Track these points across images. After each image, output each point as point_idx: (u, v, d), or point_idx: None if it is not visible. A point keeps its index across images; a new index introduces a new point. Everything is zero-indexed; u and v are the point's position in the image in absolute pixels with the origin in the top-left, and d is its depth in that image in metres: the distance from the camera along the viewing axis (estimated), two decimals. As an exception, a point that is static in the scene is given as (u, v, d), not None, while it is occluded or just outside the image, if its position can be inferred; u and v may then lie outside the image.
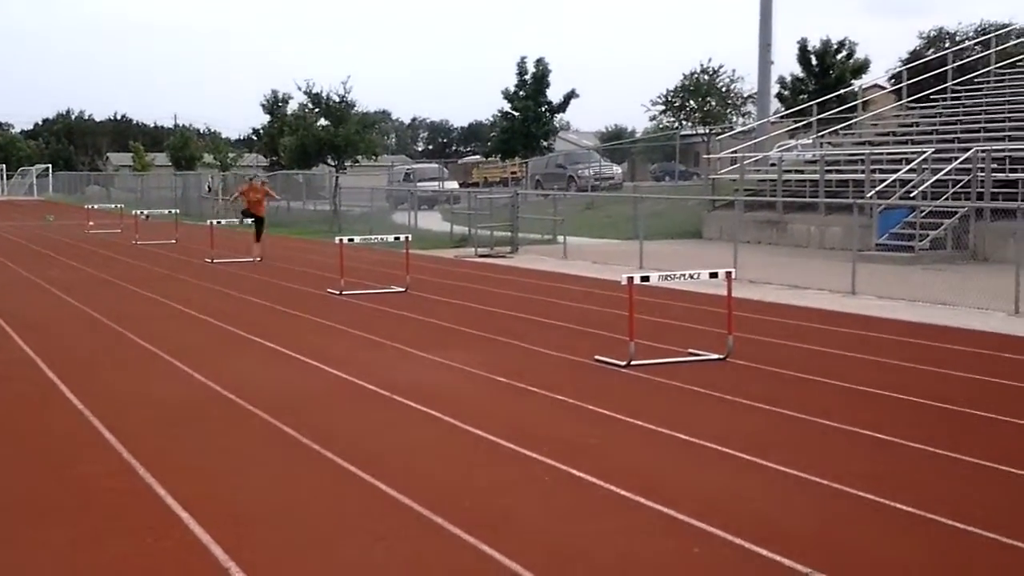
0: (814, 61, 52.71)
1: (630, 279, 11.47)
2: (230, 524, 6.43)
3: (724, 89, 68.17)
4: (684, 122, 68.59)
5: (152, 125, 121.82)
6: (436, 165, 64.46)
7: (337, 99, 56.65)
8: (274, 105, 61.36)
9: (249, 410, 9.53)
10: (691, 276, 12.33)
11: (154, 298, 18.08)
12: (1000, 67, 35.70)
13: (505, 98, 58.79)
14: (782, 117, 44.83)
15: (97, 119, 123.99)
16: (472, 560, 5.83)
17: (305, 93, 57.83)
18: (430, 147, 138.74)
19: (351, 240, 20.43)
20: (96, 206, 46.00)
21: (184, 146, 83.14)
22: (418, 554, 5.94)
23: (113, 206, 46.44)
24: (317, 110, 57.62)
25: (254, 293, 18.61)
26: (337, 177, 47.93)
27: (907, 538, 6.12)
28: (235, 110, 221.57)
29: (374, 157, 59.72)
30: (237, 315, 15.81)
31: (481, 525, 6.30)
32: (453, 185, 53.60)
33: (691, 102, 68.27)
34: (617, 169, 56.60)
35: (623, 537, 6.16)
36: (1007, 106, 30.12)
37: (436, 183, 52.60)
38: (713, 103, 67.48)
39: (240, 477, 7.50)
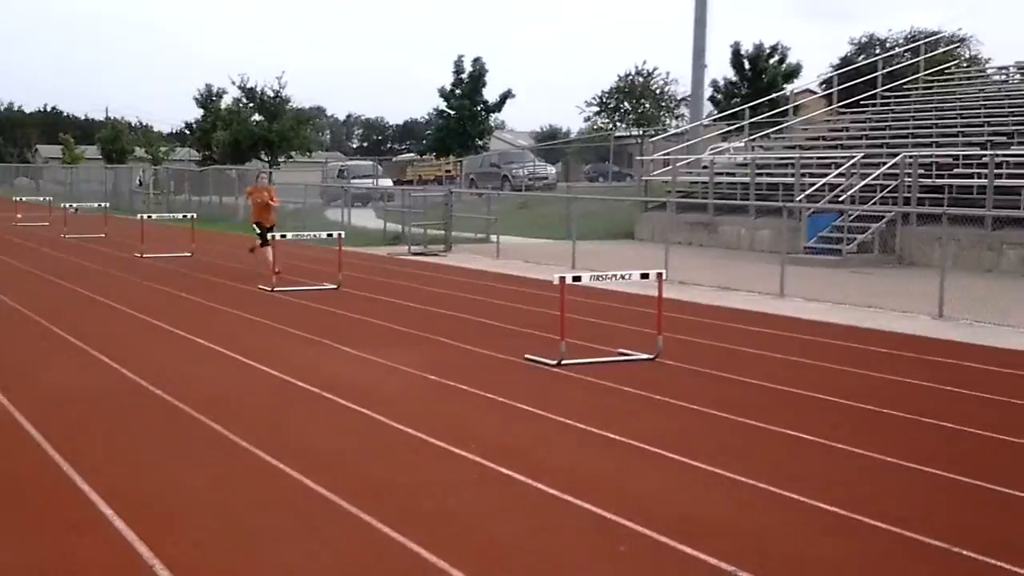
0: (747, 65, 53.25)
1: (562, 279, 11.52)
2: (155, 520, 6.38)
3: (658, 91, 68.69)
4: (618, 124, 68.96)
5: (83, 118, 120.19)
6: (370, 162, 64.20)
7: (271, 94, 56.32)
8: (208, 99, 60.78)
9: (176, 406, 9.45)
10: (622, 276, 12.43)
11: (82, 292, 17.86)
12: (928, 74, 36.31)
13: (441, 96, 58.78)
14: (715, 120, 45.18)
15: (27, 111, 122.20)
16: (400, 557, 5.83)
17: (239, 88, 57.43)
18: (365, 144, 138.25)
19: (284, 237, 20.31)
20: (24, 198, 45.36)
21: (115, 139, 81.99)
22: (346, 551, 5.94)
23: (42, 199, 45.79)
24: (251, 105, 57.21)
25: (184, 289, 18.45)
26: (271, 173, 47.65)
27: (829, 537, 6.21)
28: (168, 104, 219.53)
29: (308, 153, 59.44)
30: (167, 310, 15.66)
31: (410, 523, 6.31)
32: (387, 183, 53.48)
33: (625, 104, 68.71)
34: (551, 169, 56.75)
35: (551, 535, 6.20)
36: (935, 113, 30.60)
37: (370, 180, 52.39)
38: (647, 105, 67.95)
39: (166, 473, 7.44)
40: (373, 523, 6.32)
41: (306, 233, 21.11)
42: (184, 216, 29.72)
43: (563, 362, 11.35)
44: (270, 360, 11.60)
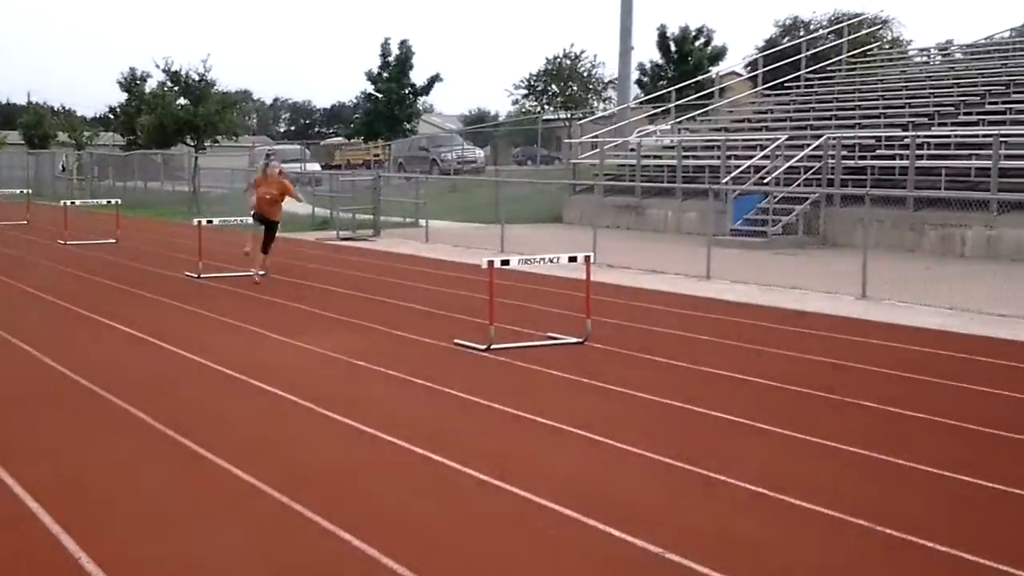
0: (673, 48, 53.51)
1: (490, 263, 11.54)
2: (81, 512, 6.33)
3: (585, 74, 68.76)
4: (546, 107, 69.01)
5: (4, 102, 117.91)
6: (298, 146, 63.70)
7: (197, 78, 55.59)
8: (131, 83, 59.81)
9: (101, 395, 9.36)
10: (551, 260, 12.47)
11: (3, 280, 17.59)
12: (851, 56, 36.75)
13: (368, 80, 58.39)
14: (642, 103, 45.40)
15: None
16: (328, 544, 5.83)
17: (164, 71, 56.52)
18: (292, 128, 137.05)
19: (210, 222, 20.14)
20: (-58, 185, 44.52)
21: (38, 124, 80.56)
22: (273, 539, 5.92)
23: (-39, 186, 44.97)
24: (176, 89, 56.44)
25: (109, 276, 18.23)
26: (196, 157, 47.13)
27: (756, 516, 6.30)
28: (91, 88, 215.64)
29: (234, 137, 58.78)
30: (91, 298, 15.47)
31: (337, 509, 6.31)
32: (315, 167, 53.11)
33: (553, 87, 68.73)
34: (480, 153, 56.69)
35: (480, 520, 6.23)
36: (857, 95, 30.99)
37: (298, 165, 52.01)
38: (575, 88, 68.03)
39: (91, 463, 7.38)
40: (300, 510, 6.31)
41: (232, 218, 20.90)
42: (108, 202, 29.31)
43: (492, 346, 11.38)
44: (196, 347, 11.52)
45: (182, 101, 55.98)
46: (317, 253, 22.91)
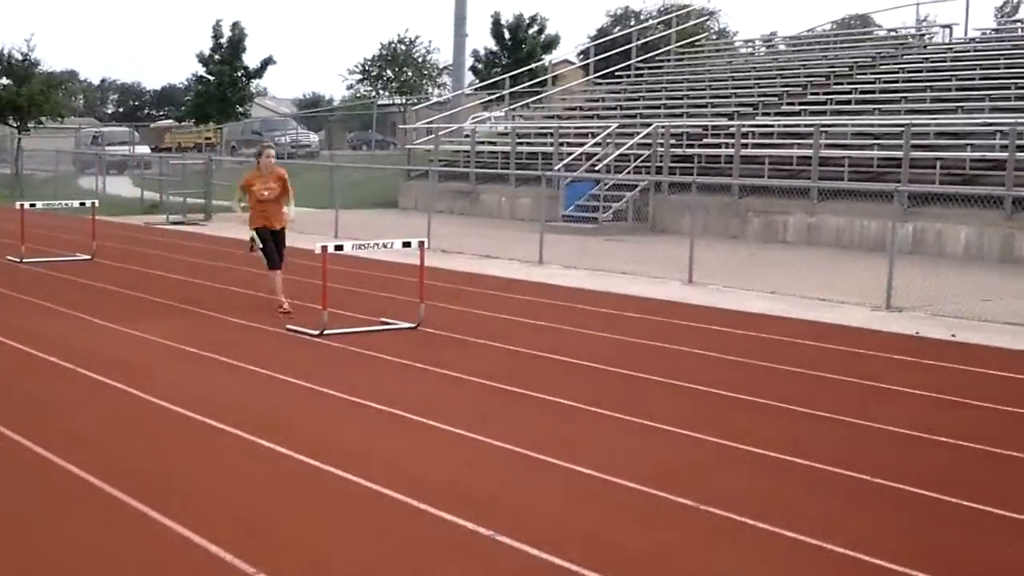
0: (507, 35, 53.90)
1: (324, 248, 11.52)
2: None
3: (420, 60, 68.78)
4: (381, 92, 68.80)
5: None
6: (127, 128, 62.23)
7: (20, 57, 53.84)
8: (-50, 63, 57.64)
9: (-81, 385, 9.07)
10: (385, 245, 12.52)
11: None
12: (680, 46, 37.58)
13: (200, 62, 57.34)
14: (476, 89, 45.62)
15: None
16: (158, 535, 5.74)
17: (-15, 51, 54.65)
18: (120, 110, 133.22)
19: (33, 205, 19.60)
20: None
21: None
22: (97, 528, 5.83)
23: None
24: (-2, 68, 54.53)
25: (-75, 262, 17.59)
26: (19, 139, 45.65)
27: (588, 499, 6.44)
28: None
29: (60, 119, 57.10)
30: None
31: (167, 498, 6.23)
32: (145, 150, 51.97)
33: (388, 72, 68.56)
34: (314, 137, 56.30)
35: (311, 506, 6.24)
36: (685, 84, 31.71)
37: (126, 147, 50.81)
38: (410, 74, 67.99)
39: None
40: (129, 501, 6.20)
41: (58, 202, 20.38)
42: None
43: (325, 332, 11.37)
44: (18, 333, 11.21)
45: (4, 81, 54.11)
46: (146, 237, 22.46)
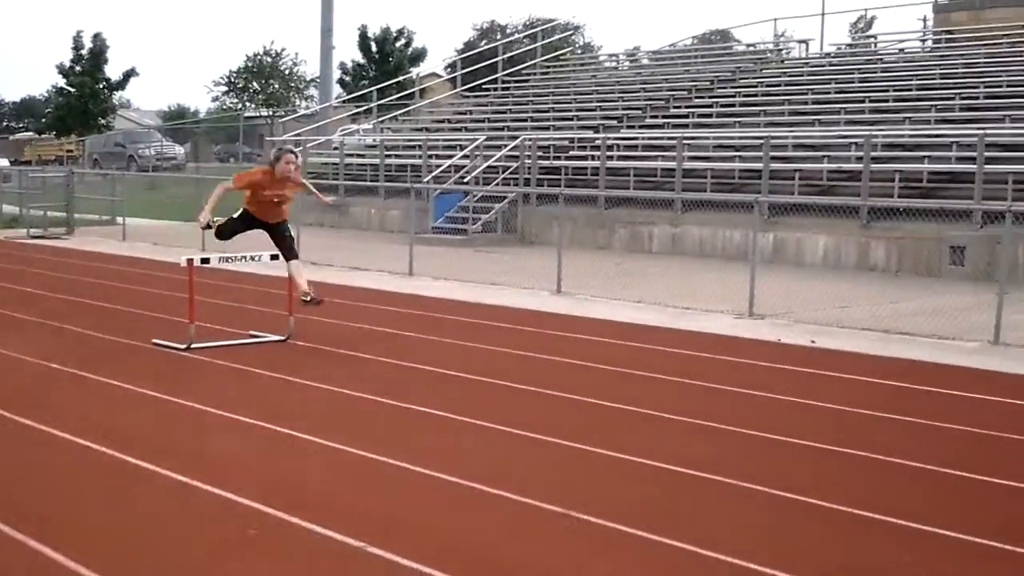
0: (374, 48, 53.83)
1: (190, 261, 11.42)
2: None
3: (287, 72, 68.27)
4: (248, 104, 68.10)
5: None
6: (-17, 141, 60.58)
7: None
8: None
9: None
10: (252, 258, 12.43)
11: None
12: (546, 60, 37.96)
13: (60, 73, 56.19)
14: (344, 102, 45.46)
15: None
16: (16, 555, 5.62)
17: None
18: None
19: None
20: None
21: None
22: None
23: None
24: None
25: None
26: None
27: (457, 508, 6.48)
28: None
29: (-90, 131, 55.41)
30: None
31: (26, 519, 6.10)
32: (3, 163, 50.72)
33: (254, 84, 67.91)
34: (179, 149, 55.43)
35: (177, 521, 6.16)
36: (551, 97, 32.02)
37: (-17, 160, 49.51)
38: (276, 86, 67.45)
39: None
40: (-9, 518, 6.10)
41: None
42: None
43: (193, 346, 11.25)
44: None
45: None
46: (5, 252, 21.92)
